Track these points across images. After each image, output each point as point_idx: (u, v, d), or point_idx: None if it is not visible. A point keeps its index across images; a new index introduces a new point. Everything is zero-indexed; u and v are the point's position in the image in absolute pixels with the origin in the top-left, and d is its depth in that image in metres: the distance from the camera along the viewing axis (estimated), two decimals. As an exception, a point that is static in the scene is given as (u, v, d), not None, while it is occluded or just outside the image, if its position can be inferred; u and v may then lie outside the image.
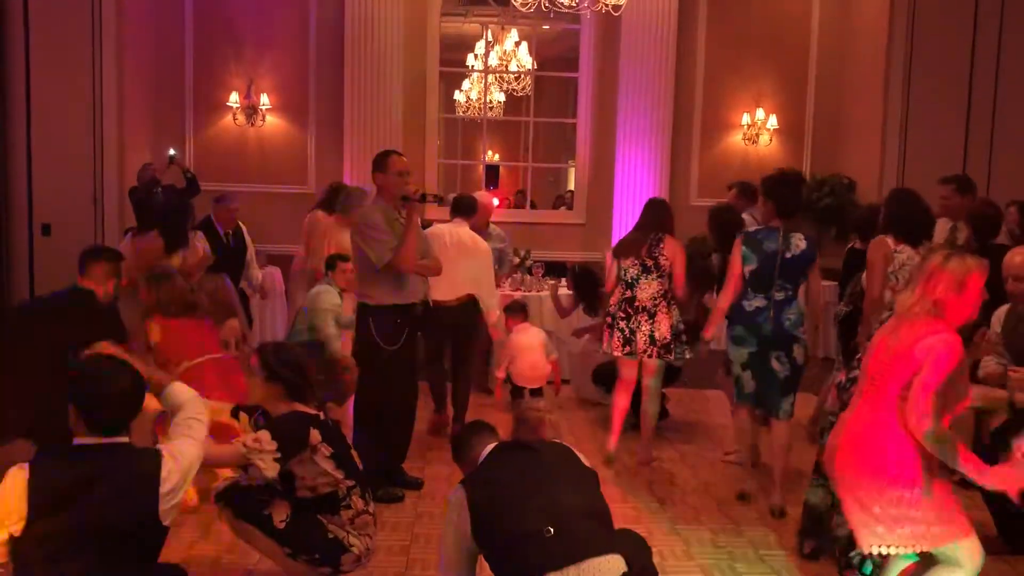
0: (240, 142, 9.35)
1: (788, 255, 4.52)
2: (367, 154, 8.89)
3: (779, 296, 4.54)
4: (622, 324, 5.22)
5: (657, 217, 5.38)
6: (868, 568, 3.66)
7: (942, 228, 5.68)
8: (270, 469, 3.12)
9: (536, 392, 6.26)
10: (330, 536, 3.24)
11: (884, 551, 2.90)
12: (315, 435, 3.22)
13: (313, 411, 3.33)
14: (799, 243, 4.54)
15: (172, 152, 8.31)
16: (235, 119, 9.27)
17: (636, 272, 5.22)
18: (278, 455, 3.13)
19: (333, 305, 5.36)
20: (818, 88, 9.79)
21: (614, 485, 5.00)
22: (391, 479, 4.67)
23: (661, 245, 5.23)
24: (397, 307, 4.55)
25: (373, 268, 4.47)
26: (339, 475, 3.25)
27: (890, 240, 4.52)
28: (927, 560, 2.96)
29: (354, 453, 3.41)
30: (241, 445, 3.13)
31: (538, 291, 7.67)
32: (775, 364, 4.54)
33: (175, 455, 2.57)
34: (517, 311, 6.53)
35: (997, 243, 5.12)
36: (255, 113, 9.26)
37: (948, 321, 2.89)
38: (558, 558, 2.66)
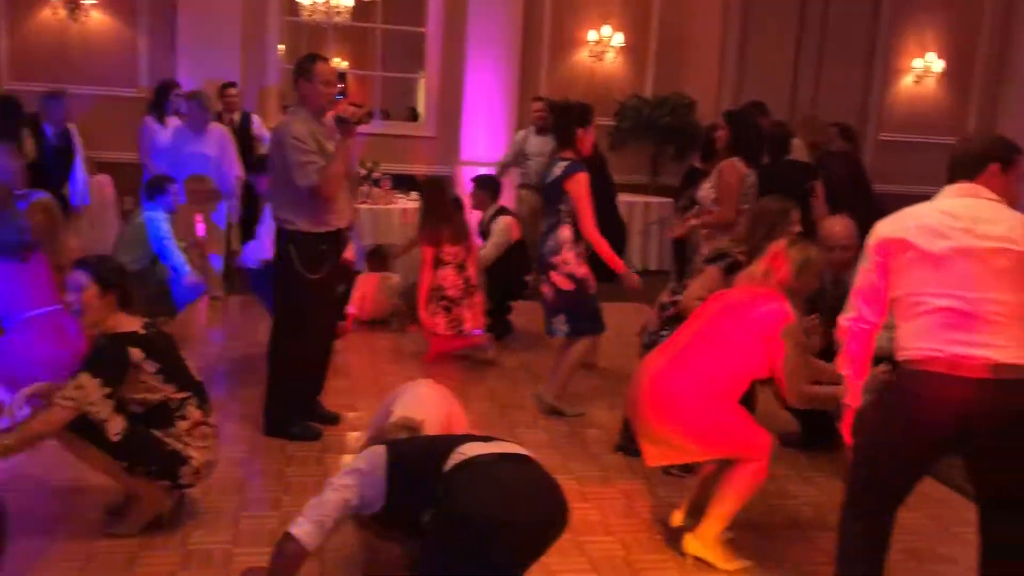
0: (61, 39, 8.63)
1: (547, 181, 4.68)
2: (203, 56, 8.50)
3: (550, 221, 4.69)
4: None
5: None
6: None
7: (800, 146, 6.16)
8: (104, 411, 3.05)
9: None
10: (168, 448, 3.20)
11: (664, 463, 3.37)
12: (136, 353, 3.14)
13: (132, 327, 3.22)
14: (556, 170, 4.63)
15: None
16: (55, 13, 8.53)
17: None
18: (107, 390, 3.04)
19: (167, 233, 5.17)
20: (662, 7, 9.98)
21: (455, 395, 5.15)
22: (308, 413, 4.42)
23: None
24: (321, 234, 4.16)
25: (294, 189, 4.04)
26: (169, 389, 3.20)
27: (740, 163, 4.73)
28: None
29: (189, 364, 3.36)
30: (65, 400, 3.00)
31: (385, 204, 7.63)
32: (543, 287, 4.73)
33: None
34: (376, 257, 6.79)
35: (789, 159, 5.67)
36: (78, 8, 8.55)
37: (786, 295, 3.22)
38: (476, 440, 2.80)
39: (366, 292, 6.35)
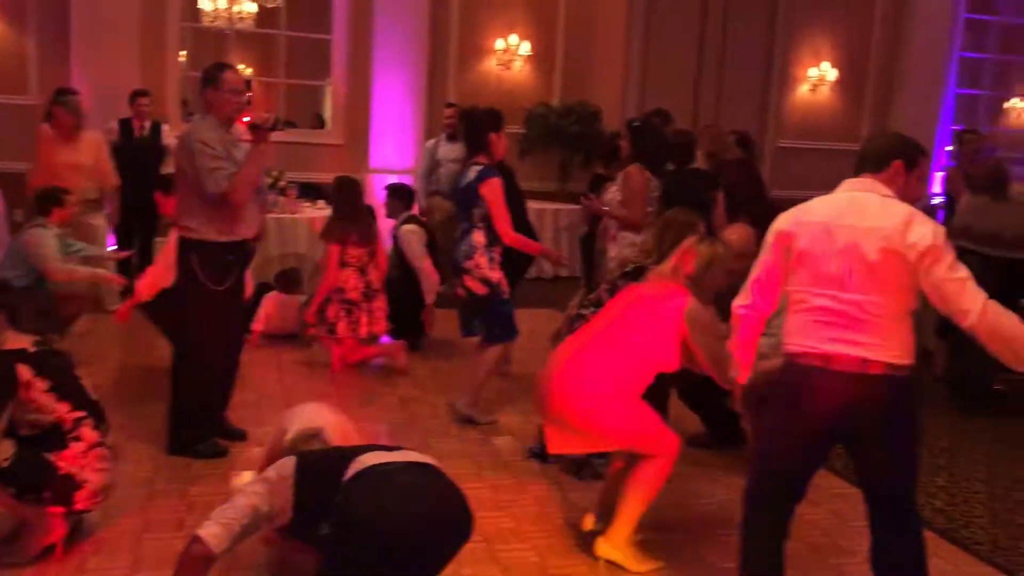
0: (-57, 44, 8.23)
1: (461, 186, 4.70)
2: (99, 62, 8.22)
3: (464, 227, 4.70)
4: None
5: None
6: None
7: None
8: None
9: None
10: (61, 472, 3.06)
11: (568, 452, 3.39)
12: (24, 371, 3.00)
13: (21, 344, 3.08)
14: (470, 174, 4.64)
15: None
16: (-64, 17, 8.13)
17: None
18: None
19: (53, 250, 4.99)
20: (567, 17, 10.11)
21: (367, 405, 5.10)
22: (213, 429, 4.29)
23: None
24: (226, 244, 4.05)
25: (200, 196, 3.95)
26: (63, 408, 3.07)
27: (644, 169, 4.81)
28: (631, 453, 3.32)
29: (85, 383, 3.22)
30: None
31: (292, 212, 7.51)
32: (459, 290, 4.75)
33: None
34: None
35: (693, 168, 5.65)
36: (-40, 11, 8.17)
37: (693, 291, 3.29)
38: (379, 450, 2.79)
39: (271, 311, 6.20)
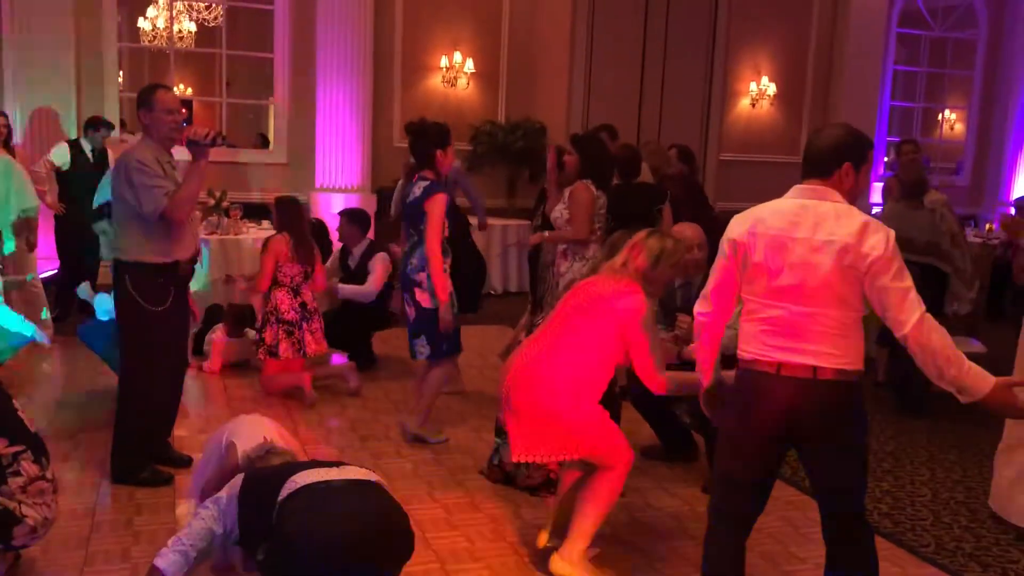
0: None
1: (407, 201, 4.69)
2: (34, 83, 8.05)
3: (412, 241, 4.69)
4: None
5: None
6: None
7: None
8: None
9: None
10: (-1, 507, 2.96)
11: (531, 460, 3.30)
12: None
13: None
14: (416, 190, 4.63)
15: None
16: None
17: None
18: None
19: None
20: (511, 35, 10.18)
21: (316, 427, 5.03)
22: (156, 456, 4.20)
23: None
24: (159, 265, 3.98)
25: (137, 218, 3.89)
26: (0, 443, 2.97)
27: (591, 185, 4.85)
28: (587, 464, 3.32)
29: (23, 415, 3.12)
30: None
31: (235, 234, 7.41)
32: (406, 307, 4.71)
33: None
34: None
35: (639, 182, 5.71)
36: None
37: (643, 285, 3.30)
38: (319, 466, 2.78)
39: (217, 345, 6.08)
